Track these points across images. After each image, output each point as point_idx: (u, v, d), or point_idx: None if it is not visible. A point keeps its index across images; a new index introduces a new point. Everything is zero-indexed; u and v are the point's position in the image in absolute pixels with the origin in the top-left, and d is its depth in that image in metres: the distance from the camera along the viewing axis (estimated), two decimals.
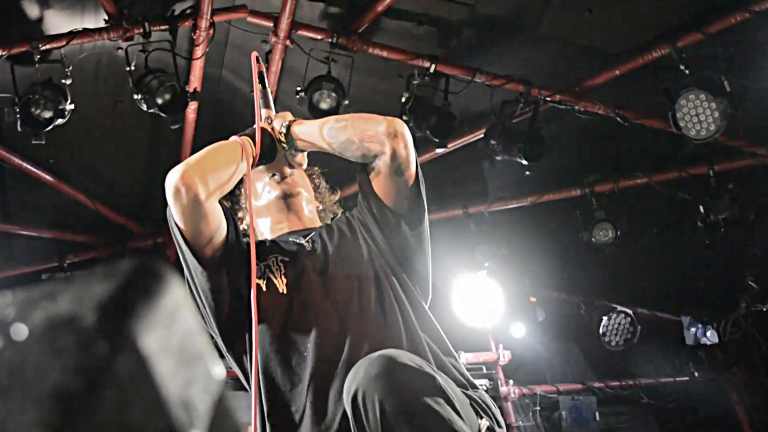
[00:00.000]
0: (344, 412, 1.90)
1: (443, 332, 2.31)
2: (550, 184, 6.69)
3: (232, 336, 2.26)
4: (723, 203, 6.22)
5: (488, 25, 5.47)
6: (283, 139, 2.35)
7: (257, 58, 2.41)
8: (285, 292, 2.26)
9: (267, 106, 2.41)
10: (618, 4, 5.27)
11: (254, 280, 2.13)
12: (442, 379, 1.80)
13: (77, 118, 4.95)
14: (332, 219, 2.70)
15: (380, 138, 2.23)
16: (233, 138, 2.30)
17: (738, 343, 8.02)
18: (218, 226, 2.22)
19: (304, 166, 2.51)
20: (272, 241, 2.46)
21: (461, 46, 5.56)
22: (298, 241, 2.44)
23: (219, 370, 0.53)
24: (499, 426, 2.05)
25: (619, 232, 6.50)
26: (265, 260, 2.33)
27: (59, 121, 4.76)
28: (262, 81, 2.42)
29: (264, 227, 2.58)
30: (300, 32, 5.09)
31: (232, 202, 2.62)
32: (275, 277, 2.29)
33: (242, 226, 2.53)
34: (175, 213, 2.18)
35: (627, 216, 6.66)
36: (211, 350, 0.53)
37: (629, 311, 7.58)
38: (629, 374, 7.93)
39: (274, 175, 2.53)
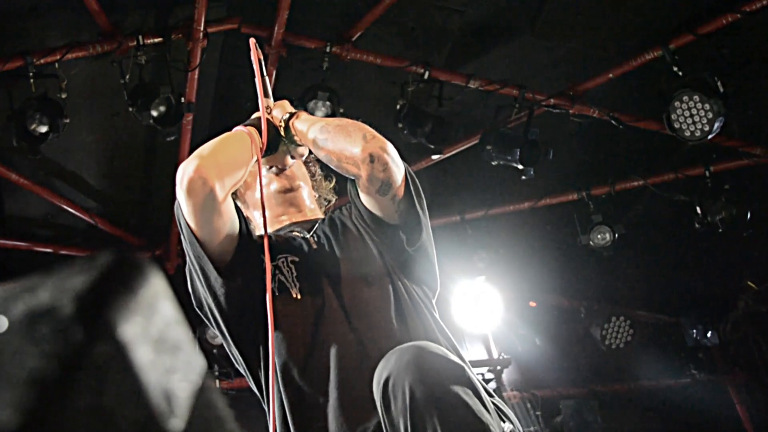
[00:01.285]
0: (376, 422, 1.85)
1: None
2: (547, 189, 6.70)
3: (244, 344, 2.19)
4: (720, 204, 6.22)
5: (480, 31, 5.49)
6: (282, 132, 2.28)
7: (255, 45, 2.33)
8: (299, 297, 2.17)
9: (265, 94, 2.33)
10: (609, 7, 5.29)
11: (269, 283, 2.06)
12: (470, 372, 1.78)
13: (73, 132, 4.96)
14: (329, 207, 2.60)
15: (356, 162, 2.13)
16: (239, 129, 2.22)
17: (738, 343, 8.02)
18: (231, 223, 2.14)
19: (305, 157, 2.42)
20: (277, 237, 2.34)
21: (455, 52, 5.58)
22: (302, 235, 2.35)
23: (199, 361, 0.53)
24: None
25: (616, 235, 6.50)
26: (274, 261, 2.22)
27: (55, 135, 4.77)
28: (260, 69, 2.33)
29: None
30: (294, 41, 5.11)
31: None
32: (287, 281, 2.20)
33: None
34: (187, 210, 2.06)
35: (624, 219, 6.67)
36: (191, 341, 0.54)
37: (628, 314, 7.59)
38: (630, 377, 7.94)
39: (271, 167, 2.41)
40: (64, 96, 4.76)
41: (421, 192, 2.30)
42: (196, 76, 5.07)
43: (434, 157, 5.80)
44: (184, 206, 2.06)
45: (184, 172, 2.01)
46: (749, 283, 7.63)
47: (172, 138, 5.15)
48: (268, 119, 2.26)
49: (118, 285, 0.49)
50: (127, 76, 4.83)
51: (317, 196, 2.58)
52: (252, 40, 2.34)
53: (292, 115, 2.29)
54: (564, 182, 6.70)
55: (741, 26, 5.12)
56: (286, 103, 2.38)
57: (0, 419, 0.40)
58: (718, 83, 5.16)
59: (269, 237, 2.28)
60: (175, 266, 6.35)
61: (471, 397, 1.66)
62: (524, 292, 7.59)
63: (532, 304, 7.61)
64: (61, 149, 5.49)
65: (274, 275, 2.19)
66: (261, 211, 2.42)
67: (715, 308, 7.97)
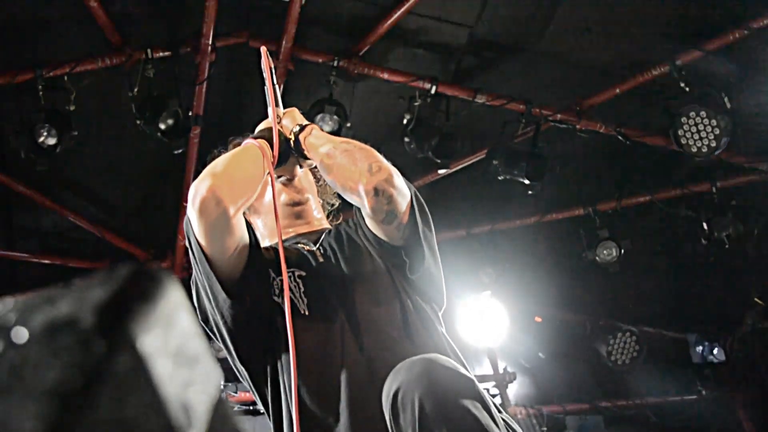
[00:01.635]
0: None
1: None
2: (553, 204, 6.69)
3: (251, 361, 2.15)
4: (726, 220, 6.22)
5: (488, 46, 5.51)
6: (292, 145, 2.26)
7: (267, 54, 2.30)
8: (307, 313, 2.13)
9: (275, 103, 2.30)
10: (617, 23, 5.30)
11: (288, 299, 2.02)
12: (479, 385, 1.75)
13: (81, 144, 4.98)
14: (332, 213, 2.56)
15: (359, 193, 2.08)
16: (250, 142, 2.18)
17: (745, 360, 7.99)
18: (242, 240, 2.10)
19: (313, 165, 2.34)
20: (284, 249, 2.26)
21: (462, 67, 5.60)
22: (309, 248, 2.31)
23: (218, 373, 0.53)
24: None
25: (623, 251, 6.49)
26: (281, 275, 2.14)
27: (63, 147, 4.78)
28: (271, 77, 2.29)
29: (268, 230, 2.42)
30: (302, 56, 5.13)
31: None
32: (295, 297, 2.15)
33: None
34: (198, 229, 2.02)
35: (631, 234, 6.66)
36: (209, 353, 0.54)
37: (634, 330, 7.57)
38: (636, 393, 7.90)
39: (279, 176, 2.36)
40: (72, 108, 4.78)
41: (428, 215, 2.26)
42: (203, 90, 5.09)
43: (441, 171, 5.80)
44: (195, 225, 2.02)
45: (197, 191, 1.97)
46: (756, 299, 7.61)
47: (180, 151, 5.17)
48: (279, 131, 2.24)
49: (137, 297, 0.49)
50: (136, 89, 4.84)
51: (322, 201, 2.54)
52: (263, 48, 2.32)
53: (302, 128, 2.26)
54: (570, 197, 6.70)
55: (748, 43, 5.13)
56: (295, 111, 2.35)
57: (23, 430, 0.40)
58: (725, 99, 5.16)
59: (276, 250, 2.23)
60: (180, 280, 6.34)
61: (480, 411, 1.64)
62: (530, 307, 7.57)
63: (538, 319, 7.58)
64: (69, 162, 5.51)
65: (281, 290, 2.14)
66: (267, 222, 2.41)
67: (722, 324, 7.94)
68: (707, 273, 7.30)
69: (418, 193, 2.25)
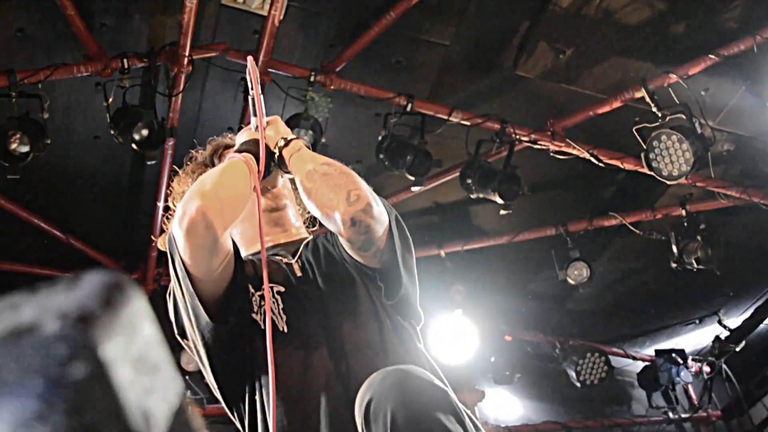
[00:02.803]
0: None
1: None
2: (526, 224, 6.73)
3: (228, 378, 2.11)
4: (695, 243, 6.29)
5: (464, 66, 5.55)
6: (275, 160, 2.22)
7: (253, 64, 2.24)
8: (286, 330, 2.09)
9: (256, 113, 2.24)
10: (591, 46, 5.37)
11: (269, 315, 1.99)
12: (453, 396, 1.73)
13: (54, 153, 4.94)
14: (309, 220, 2.50)
15: (336, 222, 2.04)
16: (236, 156, 2.13)
17: (711, 381, 8.07)
18: (228, 256, 2.05)
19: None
20: (261, 262, 2.19)
21: (438, 86, 5.63)
22: (287, 260, 2.27)
23: (179, 381, 0.54)
24: None
25: (593, 272, 6.54)
26: (260, 290, 2.11)
27: (35, 155, 4.74)
28: (257, 88, 2.23)
29: (245, 239, 2.36)
30: (278, 69, 5.14)
31: None
32: (274, 314, 2.11)
33: None
34: (184, 249, 1.95)
35: (601, 255, 6.71)
36: (170, 361, 0.54)
37: (604, 350, 7.62)
38: (604, 414, 7.95)
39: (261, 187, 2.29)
40: (46, 116, 4.75)
41: (408, 239, 2.25)
42: (179, 101, 5.07)
43: (414, 188, 5.82)
44: (181, 245, 1.96)
45: (185, 212, 1.91)
46: (722, 321, 7.70)
47: (154, 162, 5.14)
48: (266, 146, 2.18)
49: (100, 304, 0.49)
50: (110, 99, 4.82)
51: (300, 209, 2.47)
52: (250, 58, 2.26)
53: (287, 143, 2.21)
54: (542, 217, 6.74)
55: (719, 69, 5.22)
56: (279, 122, 2.31)
57: None
58: (696, 124, 5.23)
59: (254, 263, 2.23)
60: (151, 290, 6.31)
61: (453, 424, 1.63)
62: (500, 326, 7.59)
63: (508, 338, 7.61)
64: (41, 169, 5.46)
65: (260, 306, 2.11)
66: (244, 231, 2.36)
67: (689, 346, 8.02)
68: (675, 295, 7.37)
69: (398, 216, 2.23)
